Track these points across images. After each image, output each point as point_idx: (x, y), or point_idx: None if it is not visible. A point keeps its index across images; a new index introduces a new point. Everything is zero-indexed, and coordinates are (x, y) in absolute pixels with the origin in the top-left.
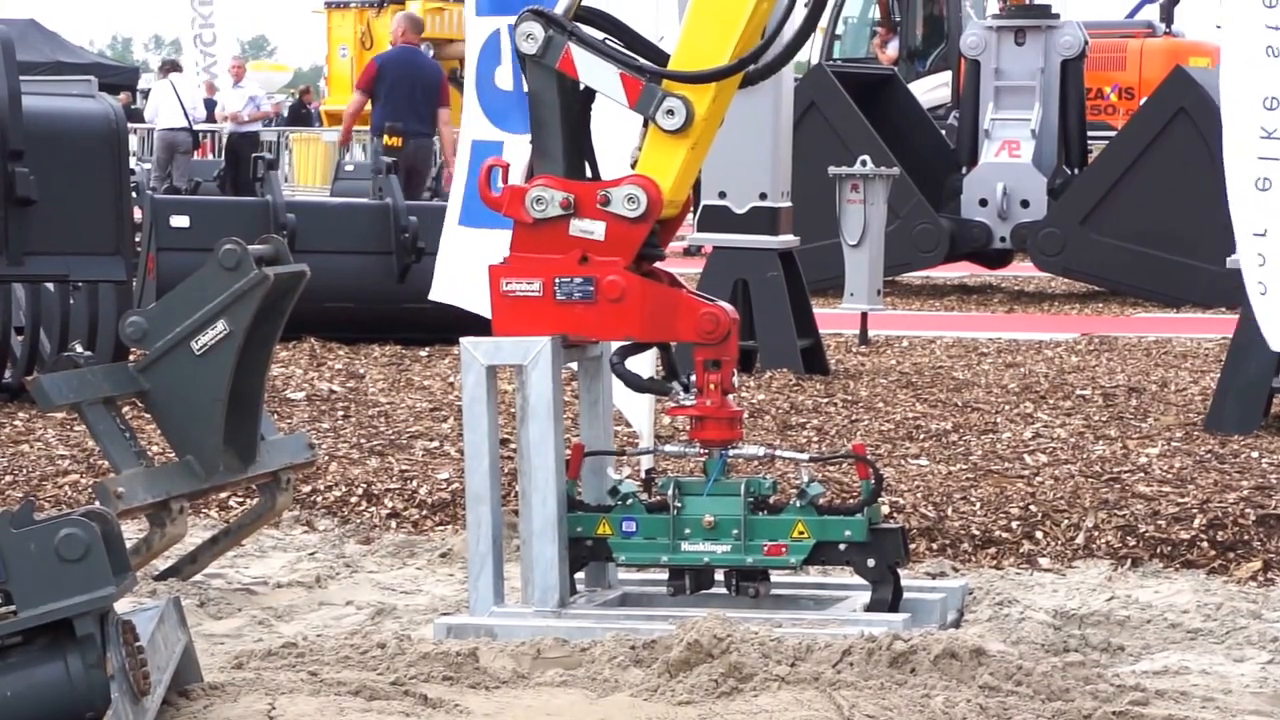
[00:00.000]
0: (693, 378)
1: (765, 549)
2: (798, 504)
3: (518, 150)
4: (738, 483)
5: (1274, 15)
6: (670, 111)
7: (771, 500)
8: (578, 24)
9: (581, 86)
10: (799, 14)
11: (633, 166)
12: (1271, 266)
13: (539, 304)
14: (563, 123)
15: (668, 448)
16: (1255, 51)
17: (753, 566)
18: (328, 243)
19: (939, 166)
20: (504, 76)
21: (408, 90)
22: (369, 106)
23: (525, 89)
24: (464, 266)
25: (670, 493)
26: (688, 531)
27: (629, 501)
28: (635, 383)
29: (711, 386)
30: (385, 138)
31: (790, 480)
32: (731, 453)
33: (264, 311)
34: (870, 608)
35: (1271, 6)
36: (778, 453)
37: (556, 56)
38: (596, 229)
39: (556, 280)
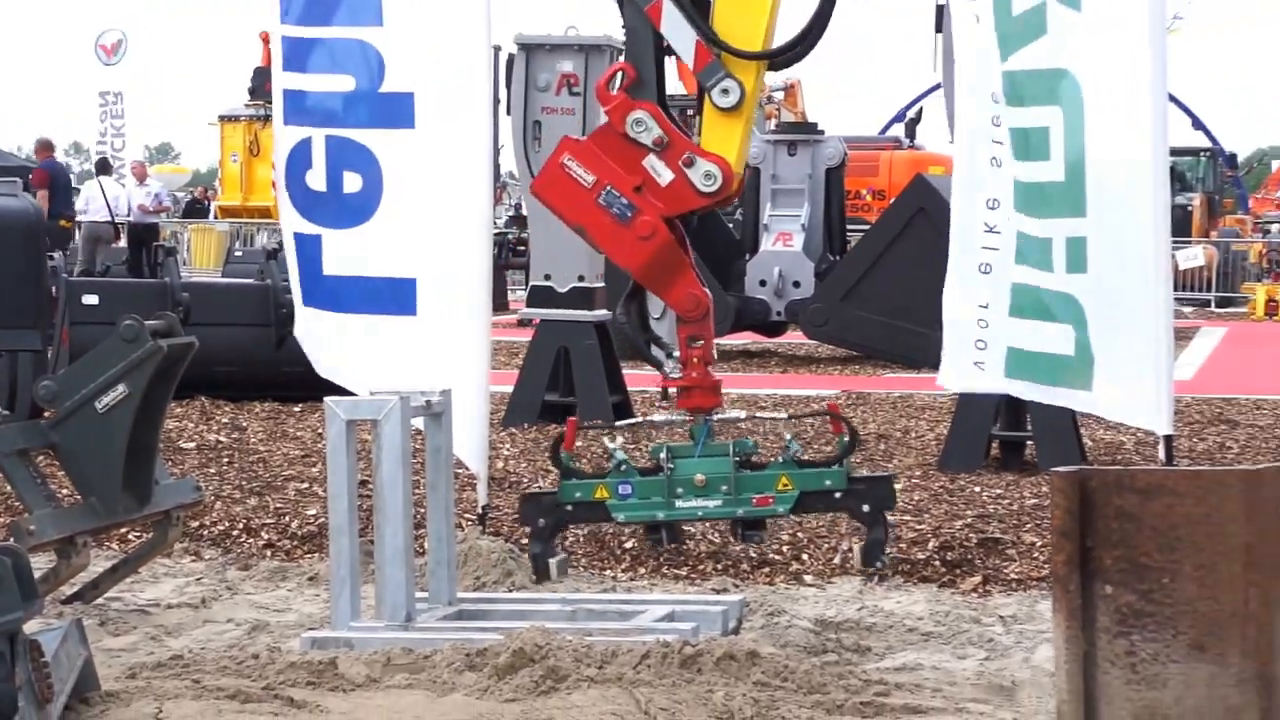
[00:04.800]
0: (677, 353)
1: (754, 501)
2: (780, 459)
3: (336, 240)
4: (725, 445)
5: (998, 133)
6: (726, 90)
7: (754, 459)
8: None
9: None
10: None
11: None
12: (992, 329)
13: (581, 192)
14: (655, 59)
15: (655, 418)
16: (981, 162)
17: (744, 517)
18: (216, 316)
19: (727, 253)
20: (315, 179)
21: (65, 188)
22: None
23: (344, 188)
24: (327, 346)
25: (663, 456)
26: (680, 490)
27: (623, 467)
28: (637, 345)
29: (695, 360)
30: (61, 222)
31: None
32: (716, 417)
33: (158, 376)
34: (866, 549)
35: (998, 125)
36: (757, 414)
37: (648, 1)
38: (665, 176)
39: (608, 186)
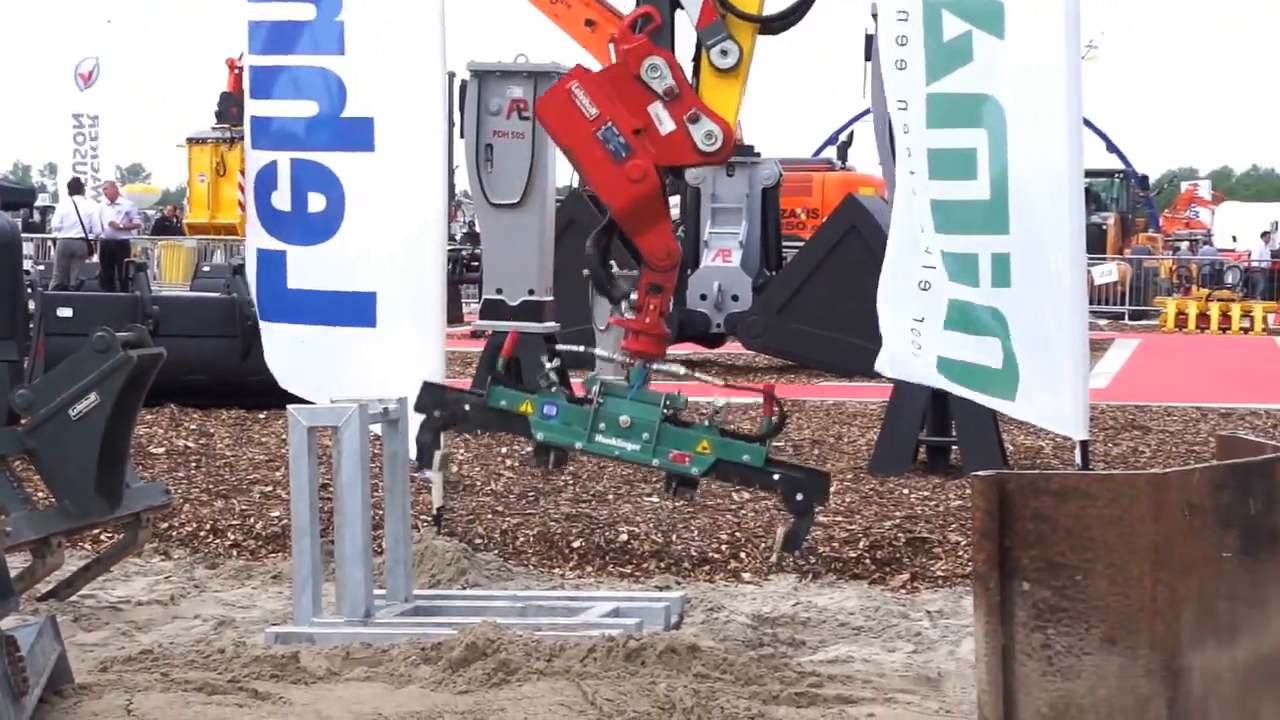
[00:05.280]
0: (634, 296)
1: (671, 455)
2: (706, 423)
3: (300, 257)
4: (658, 394)
5: (915, 163)
6: (725, 51)
7: (682, 416)
8: None
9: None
10: None
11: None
12: (924, 338)
13: (581, 122)
14: (671, 12)
15: (598, 351)
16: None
17: (657, 468)
18: (185, 328)
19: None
20: (281, 199)
21: None
22: None
23: (309, 207)
24: (286, 357)
25: (595, 389)
26: (603, 426)
27: (553, 390)
28: (600, 282)
29: (651, 308)
30: None
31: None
32: (655, 366)
33: (129, 384)
34: (789, 536)
35: (910, 155)
36: (697, 375)
37: None
38: (667, 126)
39: (610, 123)
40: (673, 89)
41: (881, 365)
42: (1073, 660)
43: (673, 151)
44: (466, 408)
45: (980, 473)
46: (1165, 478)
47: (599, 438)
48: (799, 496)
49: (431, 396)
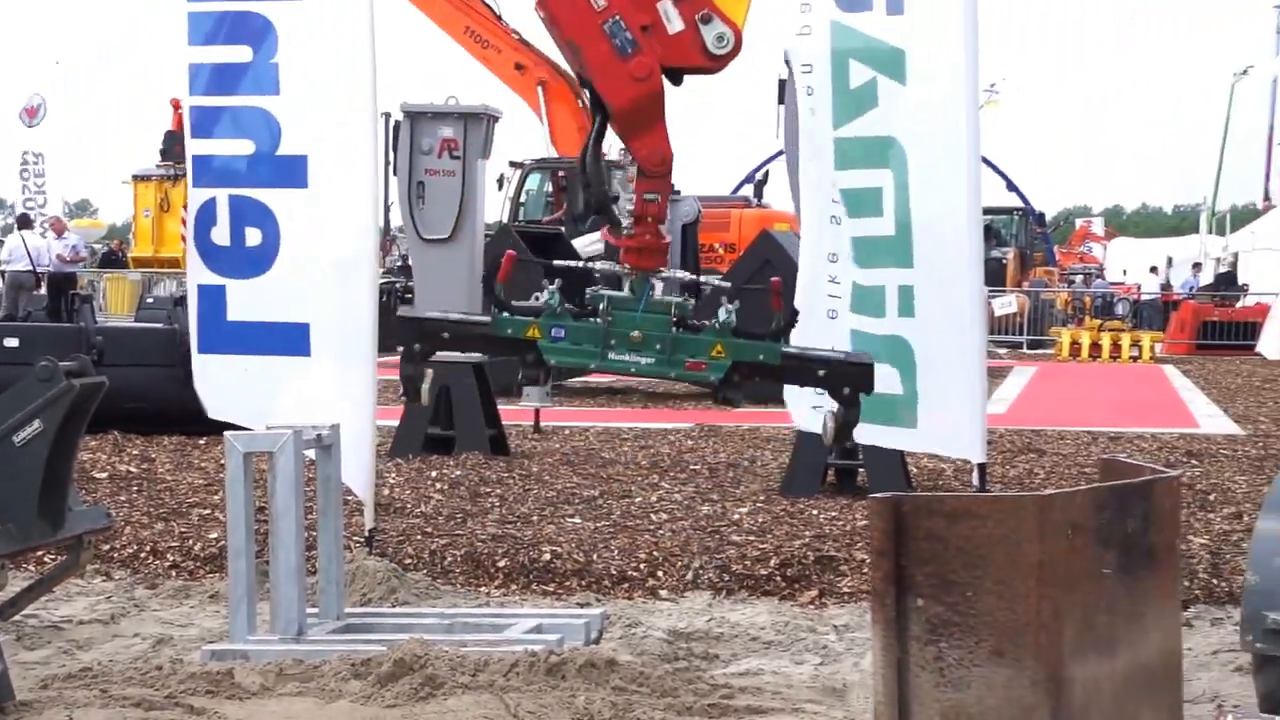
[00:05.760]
0: (631, 209)
1: (686, 364)
2: (716, 326)
3: (238, 289)
4: (667, 302)
5: (835, 194)
6: None
7: (691, 323)
8: None
9: None
10: None
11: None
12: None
13: (589, 12)
14: None
15: (599, 265)
16: (823, 220)
17: (675, 378)
18: (128, 358)
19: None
20: (220, 234)
21: None
22: None
23: (246, 242)
24: (222, 387)
25: (602, 306)
26: (613, 342)
27: (559, 310)
28: (599, 195)
29: (649, 218)
30: None
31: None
32: (660, 274)
33: (72, 412)
34: (840, 429)
35: (834, 187)
36: (701, 278)
37: None
38: (676, 25)
39: (617, 16)
40: None
41: (796, 419)
42: (963, 672)
43: (680, 52)
44: (446, 335)
45: (877, 495)
46: (1050, 499)
47: (612, 355)
48: (845, 389)
49: (410, 329)
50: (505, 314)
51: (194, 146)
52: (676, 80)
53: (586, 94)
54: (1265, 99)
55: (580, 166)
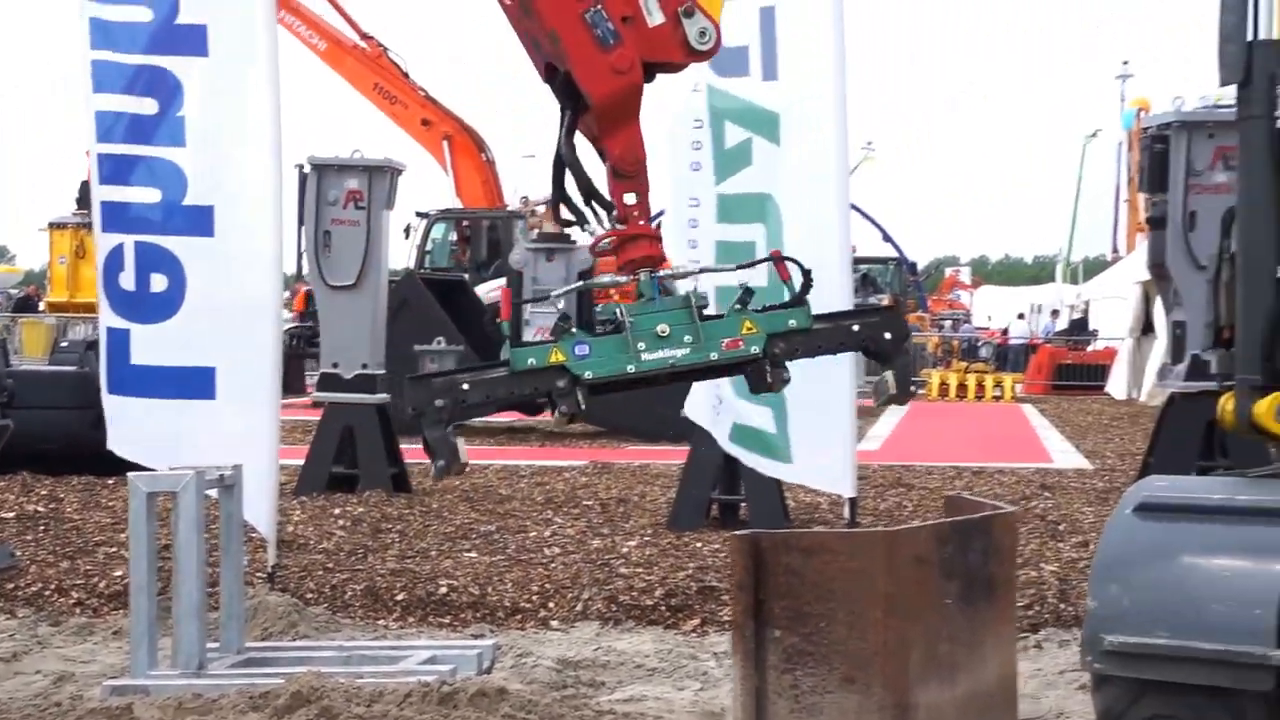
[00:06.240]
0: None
1: (725, 344)
2: (736, 306)
3: (144, 334)
4: (681, 295)
5: (707, 245)
6: None
7: (706, 310)
8: None
9: None
10: None
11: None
12: (724, 404)
13: (570, 2)
14: None
15: (603, 278)
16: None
17: (717, 362)
18: (39, 400)
19: (496, 344)
20: (127, 280)
21: None
22: None
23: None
24: (129, 428)
25: (619, 314)
26: (642, 345)
27: (574, 330)
28: (584, 184)
29: (635, 215)
30: None
31: None
32: (662, 273)
33: None
34: (899, 377)
35: (707, 238)
36: (703, 267)
37: None
38: (655, 18)
39: (598, 6)
40: None
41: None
42: (816, 699)
43: (658, 47)
44: (466, 387)
45: (738, 533)
46: (896, 534)
47: (646, 354)
48: (887, 336)
49: (422, 391)
50: (521, 346)
51: (101, 193)
52: (649, 76)
53: (555, 90)
54: (1112, 160)
55: (557, 161)
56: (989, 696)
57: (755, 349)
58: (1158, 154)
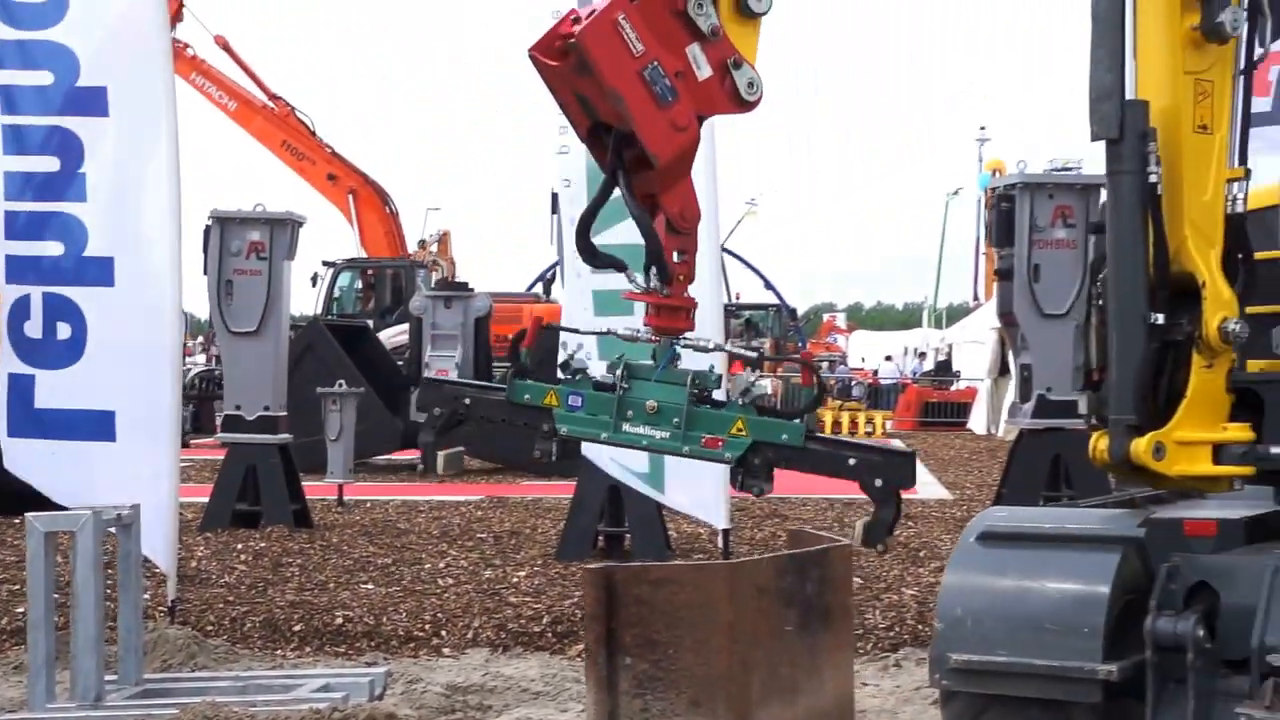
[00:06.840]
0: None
1: (703, 441)
2: (740, 401)
3: (48, 379)
4: (685, 373)
5: (585, 300)
6: None
7: (714, 395)
8: None
9: None
10: None
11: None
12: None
13: (628, 58)
14: None
15: (620, 330)
16: (583, 317)
17: (689, 455)
18: None
19: (397, 386)
20: (33, 328)
21: None
22: None
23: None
24: (32, 469)
25: (619, 373)
26: (630, 414)
27: (578, 378)
28: (653, 242)
29: (680, 278)
30: None
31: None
32: (682, 343)
33: None
34: (869, 527)
35: (580, 295)
36: (726, 346)
37: None
38: (704, 72)
39: (655, 62)
40: (718, 29)
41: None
42: None
43: (707, 100)
44: (468, 401)
45: (590, 565)
46: (738, 566)
47: (626, 426)
48: (878, 481)
49: (431, 394)
50: (525, 380)
51: (7, 247)
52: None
53: (597, 154)
54: (972, 214)
55: (587, 214)
56: (827, 716)
57: (729, 455)
58: (1004, 212)
